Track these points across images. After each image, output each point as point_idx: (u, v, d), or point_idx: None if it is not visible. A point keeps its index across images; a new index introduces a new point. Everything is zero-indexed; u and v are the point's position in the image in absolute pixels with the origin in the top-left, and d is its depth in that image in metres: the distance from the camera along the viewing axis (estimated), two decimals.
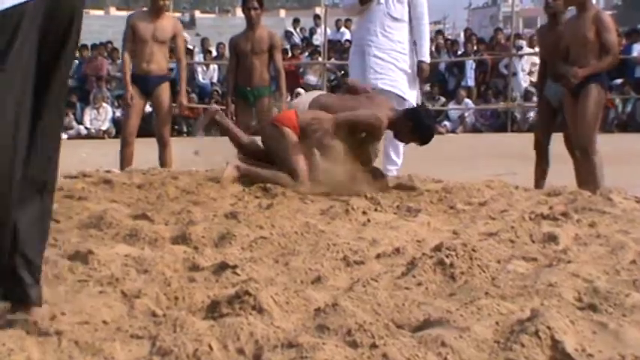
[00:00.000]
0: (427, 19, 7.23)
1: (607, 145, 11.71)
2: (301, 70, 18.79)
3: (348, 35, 19.74)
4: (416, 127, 5.84)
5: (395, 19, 7.14)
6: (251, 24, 7.94)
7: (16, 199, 2.44)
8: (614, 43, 6.59)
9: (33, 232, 2.56)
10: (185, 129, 17.07)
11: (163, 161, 7.79)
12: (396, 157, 7.29)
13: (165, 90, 7.88)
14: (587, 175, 6.52)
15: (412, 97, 7.26)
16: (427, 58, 7.20)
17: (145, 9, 8.19)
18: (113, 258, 3.58)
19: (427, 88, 18.25)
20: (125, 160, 7.75)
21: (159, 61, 7.87)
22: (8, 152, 2.38)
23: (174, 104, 8.29)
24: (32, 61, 2.42)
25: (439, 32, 22.74)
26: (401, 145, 7.10)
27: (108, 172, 6.89)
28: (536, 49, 17.70)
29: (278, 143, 5.86)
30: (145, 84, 7.85)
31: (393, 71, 7.08)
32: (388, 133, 6.37)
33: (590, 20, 6.64)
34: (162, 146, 7.90)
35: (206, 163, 6.54)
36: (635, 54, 16.96)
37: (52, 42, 2.49)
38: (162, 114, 7.93)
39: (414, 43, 7.24)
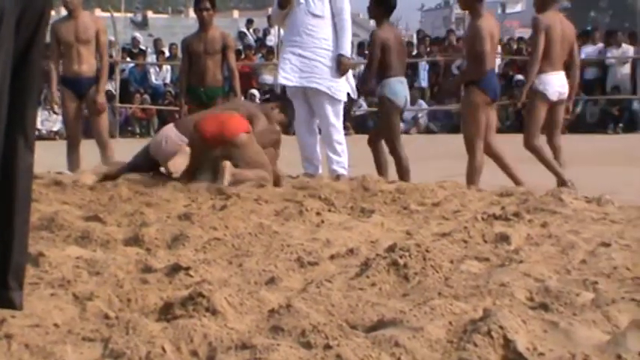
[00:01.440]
0: (348, 14, 7.22)
1: None
2: (255, 71, 18.76)
3: None
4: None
5: (316, 17, 7.14)
6: (203, 25, 7.91)
7: None
8: (479, 55, 6.69)
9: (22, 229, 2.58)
10: (138, 130, 16.95)
11: (105, 161, 7.73)
12: (335, 156, 7.21)
13: (95, 91, 7.82)
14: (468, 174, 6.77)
15: (343, 93, 7.25)
16: (347, 52, 7.22)
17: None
18: (65, 260, 3.55)
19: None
20: (73, 164, 7.71)
21: (89, 62, 7.83)
22: None
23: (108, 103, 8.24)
24: (9, 58, 2.50)
25: None
26: (338, 144, 7.11)
27: (59, 173, 6.82)
28: None
29: (253, 147, 6.17)
30: (78, 86, 7.82)
31: (319, 69, 7.09)
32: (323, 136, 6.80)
33: (472, 27, 6.88)
34: (102, 147, 7.86)
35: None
36: (583, 56, 17.19)
37: (23, 32, 2.55)
38: (94, 116, 7.89)
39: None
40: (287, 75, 7.15)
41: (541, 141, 7.07)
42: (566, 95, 7.05)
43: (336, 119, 7.15)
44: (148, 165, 6.56)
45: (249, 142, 6.20)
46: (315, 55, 7.10)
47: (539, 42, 6.81)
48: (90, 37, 7.78)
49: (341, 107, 7.25)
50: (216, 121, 6.28)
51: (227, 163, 5.98)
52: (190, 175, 6.17)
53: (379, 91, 7.18)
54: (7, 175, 2.53)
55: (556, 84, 6.95)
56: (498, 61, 17.88)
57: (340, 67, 7.10)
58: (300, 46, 7.10)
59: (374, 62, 7.08)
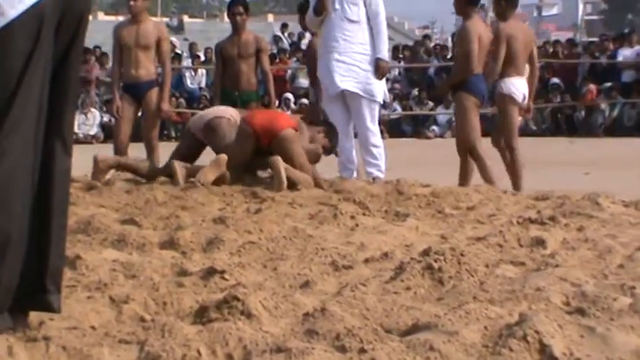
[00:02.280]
0: (383, 18, 7.27)
1: (594, 150, 11.77)
2: (290, 74, 18.78)
3: None
4: None
5: (352, 22, 7.17)
6: (237, 29, 7.95)
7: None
8: (466, 54, 6.90)
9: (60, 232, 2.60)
10: (174, 134, 17.04)
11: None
12: (372, 159, 7.23)
13: (153, 95, 7.90)
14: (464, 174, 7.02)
15: (380, 96, 7.30)
16: (384, 56, 7.26)
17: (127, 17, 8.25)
18: (101, 263, 3.58)
19: (415, 92, 18.29)
20: None
21: (147, 67, 7.90)
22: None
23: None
24: (49, 62, 2.52)
25: (426, 37, 22.79)
26: (374, 147, 7.13)
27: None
28: None
29: (298, 145, 6.29)
30: (136, 90, 7.91)
31: (357, 73, 7.13)
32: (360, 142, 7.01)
33: (461, 28, 7.17)
34: (150, 151, 7.92)
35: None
36: (621, 58, 17.03)
37: (63, 36, 2.57)
38: (149, 119, 7.96)
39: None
40: (326, 80, 7.19)
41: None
42: (527, 100, 7.33)
43: (372, 122, 7.17)
44: (194, 150, 6.61)
45: (295, 138, 6.26)
46: (353, 60, 7.13)
47: (501, 50, 7.06)
48: (150, 43, 7.86)
49: (377, 110, 7.27)
50: (265, 115, 6.49)
51: (278, 158, 6.00)
52: (234, 169, 6.19)
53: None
54: (44, 179, 2.56)
55: (521, 88, 7.20)
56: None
57: (379, 70, 7.13)
58: (338, 51, 7.13)
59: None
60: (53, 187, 2.59)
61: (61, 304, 2.65)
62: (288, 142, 6.18)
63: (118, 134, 8.03)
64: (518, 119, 7.35)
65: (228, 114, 6.53)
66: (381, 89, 7.33)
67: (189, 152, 6.60)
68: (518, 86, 7.19)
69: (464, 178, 6.98)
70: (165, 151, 8.09)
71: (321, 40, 7.37)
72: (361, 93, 7.11)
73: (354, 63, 7.13)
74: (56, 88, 2.57)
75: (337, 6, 7.15)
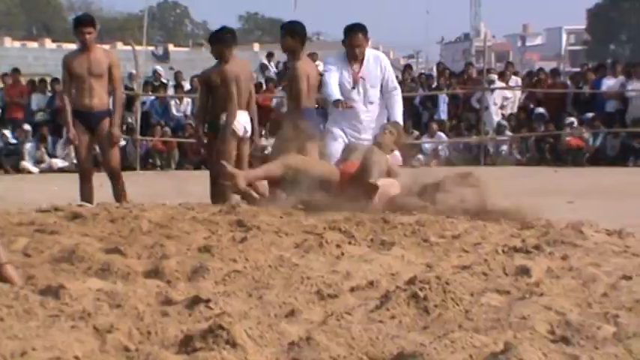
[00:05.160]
0: (399, 90, 7.80)
1: (579, 178, 11.81)
2: (276, 102, 18.81)
3: (321, 68, 19.82)
4: None
5: (372, 103, 7.62)
6: (222, 60, 7.98)
7: None
8: (296, 90, 7.47)
9: None
10: (159, 162, 17.01)
11: (117, 195, 7.76)
12: None
13: (106, 124, 7.90)
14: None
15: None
16: (400, 120, 7.63)
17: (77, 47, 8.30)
18: (85, 292, 3.56)
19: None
20: (85, 196, 7.75)
21: (100, 95, 7.90)
22: None
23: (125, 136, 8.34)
24: None
25: (408, 66, 22.74)
26: None
27: (80, 205, 6.86)
28: (510, 83, 17.95)
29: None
30: (88, 119, 7.89)
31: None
32: None
33: (291, 68, 7.76)
34: (114, 180, 7.90)
35: (179, 196, 6.53)
36: (604, 88, 17.14)
37: None
38: (106, 148, 7.98)
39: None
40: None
41: None
42: (249, 133, 7.98)
43: None
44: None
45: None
46: (368, 135, 7.50)
47: (232, 91, 7.67)
48: (103, 71, 7.85)
49: None
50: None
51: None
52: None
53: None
54: None
55: (241, 121, 7.81)
56: (518, 94, 17.92)
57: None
58: (359, 131, 7.54)
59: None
60: None
61: None
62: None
63: (80, 164, 8.10)
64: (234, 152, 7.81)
65: None
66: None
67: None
68: (240, 119, 7.79)
69: None
70: (148, 180, 8.08)
71: (334, 117, 7.57)
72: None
73: (368, 139, 7.47)
74: None
75: (361, 90, 7.53)
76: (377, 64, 7.59)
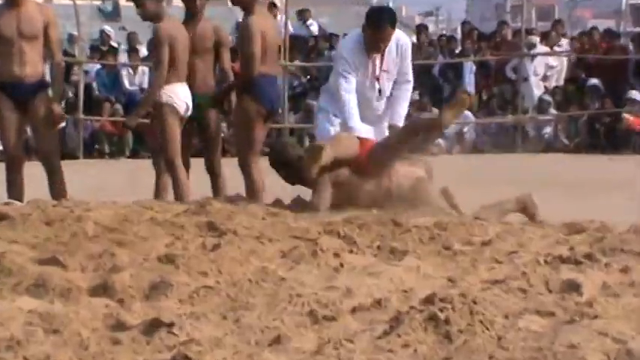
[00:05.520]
0: (412, 85, 7.87)
1: None
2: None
3: (316, 28, 19.81)
4: None
5: (387, 96, 7.73)
6: (192, 15, 7.97)
7: None
8: (247, 54, 7.56)
9: None
10: (107, 149, 16.99)
11: (54, 191, 7.72)
12: None
13: (44, 99, 7.80)
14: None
15: None
16: (401, 122, 7.70)
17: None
18: (14, 314, 3.56)
19: (416, 96, 18.34)
20: (13, 191, 7.72)
21: (33, 62, 7.80)
22: None
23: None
24: None
25: (423, 26, 22.63)
26: None
27: (7, 204, 6.86)
28: (555, 48, 17.92)
29: None
30: (20, 92, 7.78)
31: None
32: None
33: (241, 26, 8.04)
34: (51, 171, 7.83)
35: (134, 192, 6.53)
36: None
37: None
38: (42, 128, 7.88)
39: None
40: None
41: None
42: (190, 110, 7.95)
43: None
44: None
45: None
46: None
47: (162, 53, 7.63)
48: (36, 31, 7.75)
49: None
50: None
51: None
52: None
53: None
54: None
55: (181, 96, 7.80)
56: (565, 61, 17.90)
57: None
58: (371, 123, 7.60)
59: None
60: None
61: None
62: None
63: (9, 150, 7.94)
64: (178, 132, 7.79)
65: None
66: None
67: None
68: (179, 94, 7.76)
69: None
70: (94, 171, 8.09)
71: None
72: None
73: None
74: None
75: (378, 85, 7.59)
76: (397, 50, 7.61)
